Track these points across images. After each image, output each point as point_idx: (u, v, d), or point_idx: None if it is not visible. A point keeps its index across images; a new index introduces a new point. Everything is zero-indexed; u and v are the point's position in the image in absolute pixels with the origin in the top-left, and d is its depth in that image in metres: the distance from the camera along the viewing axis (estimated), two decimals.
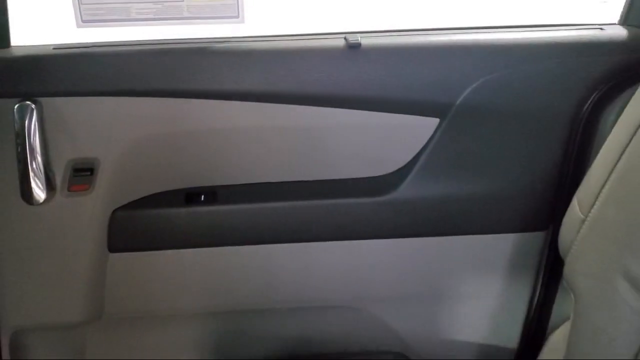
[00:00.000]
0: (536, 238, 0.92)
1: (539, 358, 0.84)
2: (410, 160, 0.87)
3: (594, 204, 0.68)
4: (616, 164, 0.66)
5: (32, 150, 0.77)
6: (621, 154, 0.65)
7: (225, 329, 0.96)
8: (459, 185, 0.87)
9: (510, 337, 0.99)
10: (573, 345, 0.72)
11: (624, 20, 0.88)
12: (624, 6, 0.88)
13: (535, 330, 0.98)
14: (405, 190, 0.87)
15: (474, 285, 0.94)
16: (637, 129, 0.64)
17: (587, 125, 0.84)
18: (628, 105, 0.68)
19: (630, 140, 0.64)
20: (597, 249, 0.68)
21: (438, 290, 0.95)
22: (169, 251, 0.88)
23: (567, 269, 0.72)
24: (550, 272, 0.94)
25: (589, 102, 0.84)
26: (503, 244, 0.92)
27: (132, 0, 0.79)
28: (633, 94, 0.67)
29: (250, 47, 0.81)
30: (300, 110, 0.82)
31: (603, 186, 0.67)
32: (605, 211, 0.67)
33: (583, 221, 0.69)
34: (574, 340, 0.72)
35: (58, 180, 0.81)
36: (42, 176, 0.78)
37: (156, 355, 0.96)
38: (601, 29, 0.86)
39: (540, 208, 0.89)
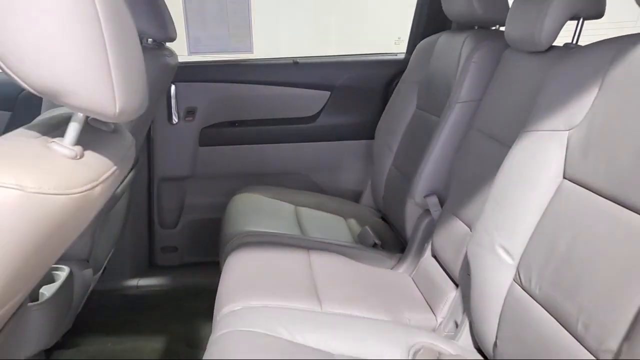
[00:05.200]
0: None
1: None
2: (320, 109, 2.13)
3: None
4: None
5: (173, 102, 2.03)
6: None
7: (248, 183, 2.21)
8: (339, 119, 2.13)
9: (377, 194, 2.24)
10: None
11: (407, 50, 2.15)
12: (407, 43, 2.14)
13: None
14: (319, 121, 2.13)
15: (350, 162, 2.20)
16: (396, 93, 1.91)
17: (390, 95, 2.11)
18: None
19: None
20: (380, 140, 1.94)
21: (335, 165, 2.20)
22: (224, 146, 2.13)
23: (374, 146, 1.98)
24: None
25: (392, 85, 2.10)
26: (359, 145, 2.17)
27: (209, 43, 2.05)
28: None
29: (255, 63, 2.08)
30: (275, 88, 2.08)
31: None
32: (381, 122, 1.95)
33: (379, 128, 1.97)
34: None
35: (181, 114, 2.06)
36: (175, 112, 2.04)
37: (216, 195, 2.21)
38: (395, 55, 2.12)
39: (372, 128, 2.14)
